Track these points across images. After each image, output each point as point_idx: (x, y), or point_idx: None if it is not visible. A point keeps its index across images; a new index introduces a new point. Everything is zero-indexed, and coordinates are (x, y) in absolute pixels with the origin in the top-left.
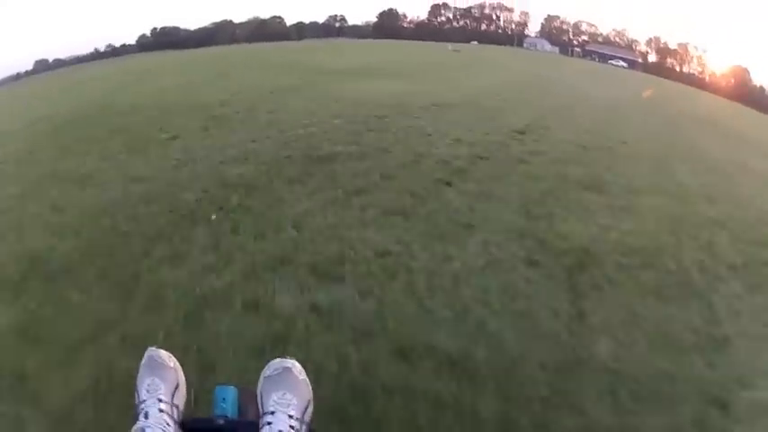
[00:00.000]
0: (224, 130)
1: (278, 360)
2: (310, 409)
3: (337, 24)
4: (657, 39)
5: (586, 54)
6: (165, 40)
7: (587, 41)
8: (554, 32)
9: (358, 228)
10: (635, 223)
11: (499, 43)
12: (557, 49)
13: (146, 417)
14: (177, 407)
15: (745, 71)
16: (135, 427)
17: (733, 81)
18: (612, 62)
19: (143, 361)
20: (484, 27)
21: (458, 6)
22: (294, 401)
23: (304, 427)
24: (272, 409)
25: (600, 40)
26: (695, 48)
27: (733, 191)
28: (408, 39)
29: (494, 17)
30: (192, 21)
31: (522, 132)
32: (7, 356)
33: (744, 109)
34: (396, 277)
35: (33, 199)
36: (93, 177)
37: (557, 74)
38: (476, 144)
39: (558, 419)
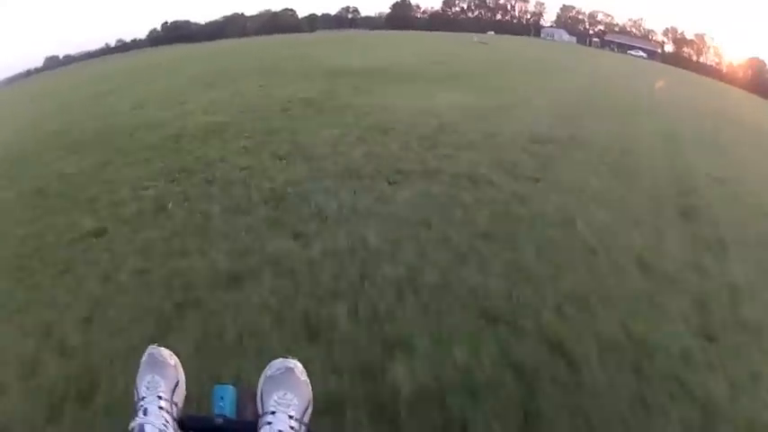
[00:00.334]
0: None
1: (280, 360)
2: (310, 410)
3: (350, 16)
4: (674, 29)
5: (605, 44)
6: (175, 34)
7: (604, 31)
8: (569, 22)
9: None
10: None
11: (515, 33)
12: (574, 39)
13: (145, 413)
14: (176, 404)
15: (762, 63)
16: (134, 423)
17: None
18: (632, 52)
19: (144, 358)
20: (499, 17)
21: None
22: (295, 402)
23: (303, 428)
24: (272, 408)
25: (616, 29)
26: (712, 38)
27: None
28: (422, 29)
29: (508, 7)
30: (202, 14)
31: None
32: None
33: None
34: None
35: None
36: None
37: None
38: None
39: None
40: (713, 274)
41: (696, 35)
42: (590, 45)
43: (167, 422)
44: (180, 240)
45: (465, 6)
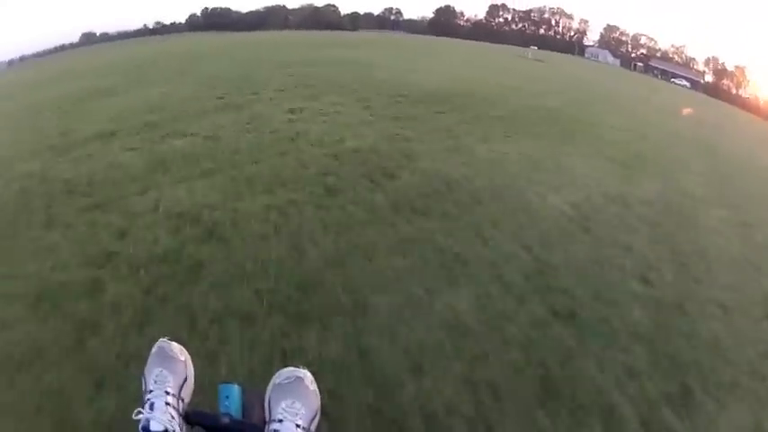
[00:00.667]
0: None
1: (290, 369)
2: (317, 420)
3: (392, 17)
4: (716, 59)
5: (648, 69)
6: (215, 21)
7: (647, 56)
8: (612, 43)
9: None
10: None
11: (557, 50)
12: (618, 62)
13: (151, 408)
14: (183, 400)
15: None
16: (139, 416)
17: None
18: (675, 80)
19: (153, 350)
20: (542, 32)
21: (516, 8)
22: (303, 411)
23: None
24: (280, 416)
25: (658, 55)
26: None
27: None
28: (464, 38)
29: (553, 22)
30: (244, 3)
31: None
32: None
33: None
34: None
35: None
36: None
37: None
38: None
39: None
40: None
41: (737, 67)
42: (634, 69)
43: (173, 417)
44: None
45: (509, 18)
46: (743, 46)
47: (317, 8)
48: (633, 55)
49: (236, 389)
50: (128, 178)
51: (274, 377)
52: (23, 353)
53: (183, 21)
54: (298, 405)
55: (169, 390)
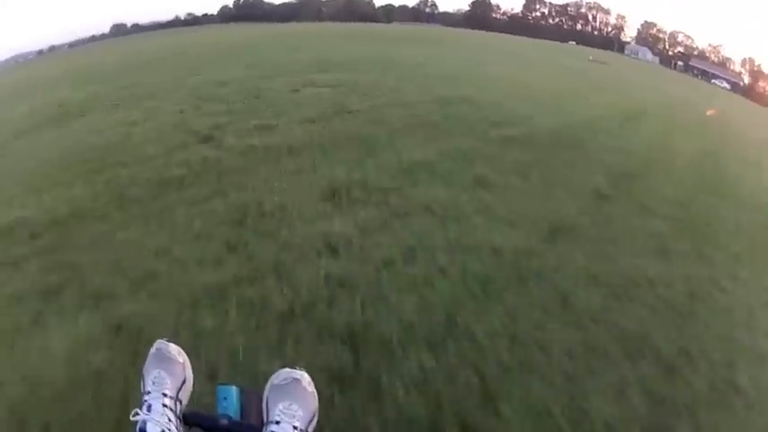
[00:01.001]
0: None
1: (287, 370)
2: (315, 421)
3: (428, 10)
4: (752, 60)
5: (688, 69)
6: (247, 12)
7: (686, 54)
8: (650, 40)
9: None
10: None
11: (596, 46)
12: (657, 60)
13: (148, 409)
14: (181, 402)
15: None
16: (136, 418)
17: None
18: (716, 81)
19: (152, 351)
20: (579, 27)
21: (553, 3)
22: (300, 413)
23: None
24: (277, 418)
25: (695, 53)
26: None
27: None
28: (500, 31)
29: (590, 17)
30: None
31: None
32: None
33: None
34: None
35: None
36: None
37: None
38: None
39: None
40: None
41: None
42: (674, 68)
43: (170, 420)
44: None
45: (546, 12)
46: None
47: (351, 0)
48: (670, 53)
49: (234, 390)
50: None
51: (272, 378)
52: None
53: (215, 12)
54: (295, 407)
55: (167, 392)
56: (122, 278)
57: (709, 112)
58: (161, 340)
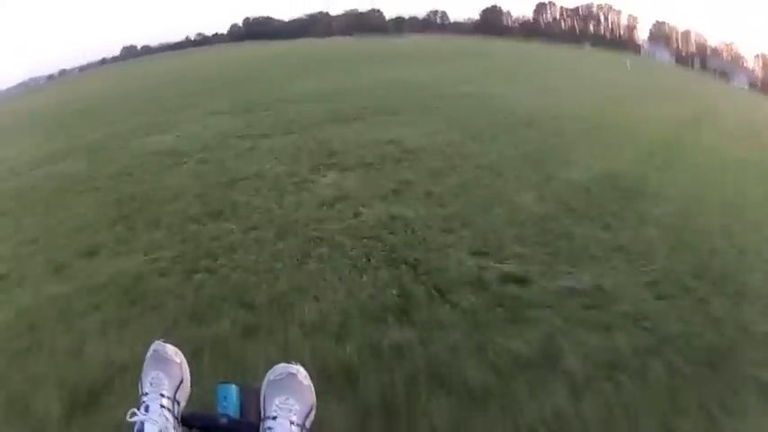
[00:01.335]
0: None
1: (283, 365)
2: (312, 415)
3: (438, 20)
4: (765, 56)
5: (705, 68)
6: (257, 30)
7: (702, 53)
8: (662, 40)
9: None
10: None
11: (610, 47)
12: (673, 60)
13: (146, 410)
14: (179, 402)
15: None
16: (134, 418)
17: None
18: (735, 81)
19: (149, 353)
20: (592, 29)
21: (564, 6)
22: (297, 407)
23: None
24: (274, 413)
25: (708, 52)
26: None
27: None
28: (513, 38)
29: (601, 18)
30: (285, 11)
31: None
32: None
33: None
34: None
35: None
36: None
37: None
38: None
39: None
40: None
41: None
42: (692, 68)
43: (168, 420)
44: None
45: (557, 16)
46: None
47: (361, 13)
48: (684, 53)
49: (233, 389)
50: None
51: (269, 373)
52: None
53: (225, 31)
54: (291, 401)
55: (164, 392)
56: None
57: None
58: (158, 341)
